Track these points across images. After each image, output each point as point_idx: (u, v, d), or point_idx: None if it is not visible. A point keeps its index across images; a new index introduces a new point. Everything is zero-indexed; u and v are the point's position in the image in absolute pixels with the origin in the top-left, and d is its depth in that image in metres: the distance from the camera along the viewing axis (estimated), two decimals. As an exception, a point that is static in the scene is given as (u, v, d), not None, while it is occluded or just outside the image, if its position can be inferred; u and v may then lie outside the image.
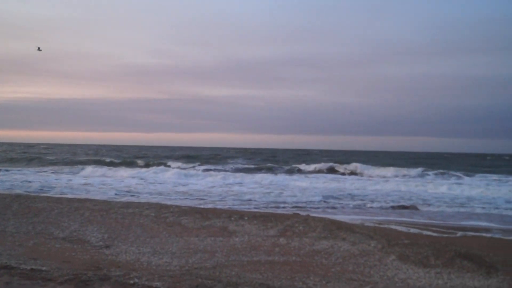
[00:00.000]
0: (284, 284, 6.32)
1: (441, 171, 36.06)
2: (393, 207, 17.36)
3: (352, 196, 21.09)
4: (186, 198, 19.26)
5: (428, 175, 34.37)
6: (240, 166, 45.04)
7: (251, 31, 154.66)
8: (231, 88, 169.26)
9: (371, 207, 17.38)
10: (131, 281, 5.89)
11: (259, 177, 30.79)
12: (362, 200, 19.62)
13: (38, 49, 22.97)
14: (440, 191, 23.91)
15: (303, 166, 42.13)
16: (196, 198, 19.30)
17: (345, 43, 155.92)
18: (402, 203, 18.42)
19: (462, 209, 17.32)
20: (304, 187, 25.27)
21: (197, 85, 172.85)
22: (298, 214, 12.38)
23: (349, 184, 27.32)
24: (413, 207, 17.33)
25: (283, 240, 9.16)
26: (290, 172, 38.84)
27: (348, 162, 43.38)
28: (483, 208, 17.76)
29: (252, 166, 44.17)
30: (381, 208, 17.31)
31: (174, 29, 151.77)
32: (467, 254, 8.16)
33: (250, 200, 18.84)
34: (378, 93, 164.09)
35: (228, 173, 34.55)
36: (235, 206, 16.49)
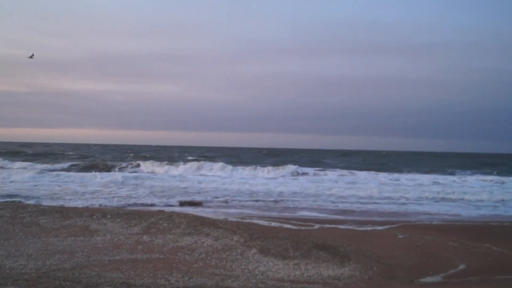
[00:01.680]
0: (146, 282, 6.26)
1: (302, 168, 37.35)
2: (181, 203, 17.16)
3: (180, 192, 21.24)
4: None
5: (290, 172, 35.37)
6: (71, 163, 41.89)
7: (115, 24, 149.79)
8: (94, 82, 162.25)
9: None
10: (-20, 287, 5.51)
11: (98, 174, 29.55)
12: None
13: (31, 56, 20.26)
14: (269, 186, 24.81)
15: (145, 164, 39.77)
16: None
17: (211, 39, 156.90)
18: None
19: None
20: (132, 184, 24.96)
21: (58, 78, 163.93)
22: (163, 211, 12.31)
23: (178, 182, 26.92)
24: (198, 203, 17.18)
25: (146, 238, 9.06)
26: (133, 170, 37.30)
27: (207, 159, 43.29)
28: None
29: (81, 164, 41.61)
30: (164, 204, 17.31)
31: (33, 19, 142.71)
32: (323, 245, 8.66)
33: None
34: (243, 90, 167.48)
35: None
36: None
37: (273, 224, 11.06)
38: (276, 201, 18.57)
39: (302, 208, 16.48)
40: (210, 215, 12.06)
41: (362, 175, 32.87)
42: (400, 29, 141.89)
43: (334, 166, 41.43)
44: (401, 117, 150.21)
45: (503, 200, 20.41)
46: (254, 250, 8.21)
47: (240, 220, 11.37)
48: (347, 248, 8.72)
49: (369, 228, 11.17)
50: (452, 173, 36.80)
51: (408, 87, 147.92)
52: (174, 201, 17.73)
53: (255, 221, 11.36)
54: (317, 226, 11.07)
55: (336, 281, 6.84)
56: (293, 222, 11.48)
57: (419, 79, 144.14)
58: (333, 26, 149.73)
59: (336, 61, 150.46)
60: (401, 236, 10.20)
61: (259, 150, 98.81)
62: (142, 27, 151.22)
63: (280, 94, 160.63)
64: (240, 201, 18.50)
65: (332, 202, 18.77)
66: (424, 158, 72.76)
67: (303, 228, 10.69)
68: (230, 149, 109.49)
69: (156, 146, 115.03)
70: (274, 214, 14.38)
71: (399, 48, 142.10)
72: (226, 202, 18.11)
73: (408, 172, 36.82)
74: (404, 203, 18.87)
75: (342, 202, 18.64)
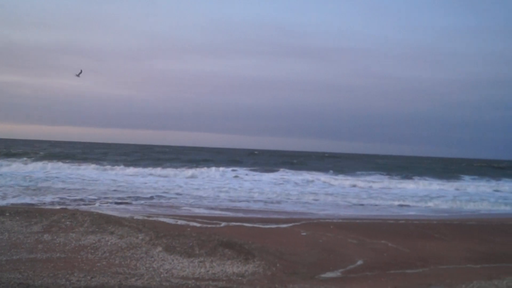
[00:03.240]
0: (45, 282, 6.07)
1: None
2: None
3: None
4: None
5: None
6: None
7: (21, 13, 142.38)
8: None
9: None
10: None
11: None
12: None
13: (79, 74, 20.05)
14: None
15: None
16: None
17: (119, 34, 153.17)
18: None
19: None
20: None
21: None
22: (66, 208, 11.95)
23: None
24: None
25: (47, 237, 8.77)
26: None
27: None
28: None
29: None
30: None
31: None
32: (228, 242, 8.78)
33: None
34: (153, 87, 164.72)
35: None
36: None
37: (180, 222, 11.05)
38: (151, 198, 18.92)
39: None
40: (115, 213, 11.85)
41: (252, 174, 33.71)
42: (310, 33, 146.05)
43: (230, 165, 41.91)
44: (309, 119, 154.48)
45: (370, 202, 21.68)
46: (160, 248, 8.19)
47: (146, 218, 11.25)
48: (252, 245, 8.90)
49: (273, 226, 11.44)
50: (338, 173, 38.32)
51: (314, 90, 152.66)
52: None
53: (162, 219, 11.29)
54: (223, 224, 11.19)
55: (240, 278, 6.98)
56: (200, 220, 11.53)
57: (324, 82, 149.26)
58: (245, 27, 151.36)
59: (247, 62, 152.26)
60: (304, 234, 10.55)
61: (162, 148, 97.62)
62: (48, 18, 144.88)
63: (191, 93, 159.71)
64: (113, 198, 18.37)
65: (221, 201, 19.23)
66: (330, 159, 75.13)
67: (209, 226, 10.77)
68: (135, 146, 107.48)
69: (57, 142, 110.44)
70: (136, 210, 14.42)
71: (307, 52, 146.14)
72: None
73: (309, 171, 37.94)
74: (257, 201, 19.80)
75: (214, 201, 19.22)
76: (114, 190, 21.28)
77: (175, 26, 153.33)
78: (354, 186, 28.48)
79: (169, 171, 33.10)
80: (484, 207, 21.17)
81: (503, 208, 20.88)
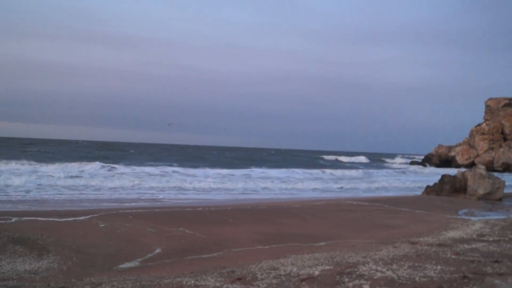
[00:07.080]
0: None
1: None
2: None
3: None
4: None
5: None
6: None
7: None
8: None
9: None
10: None
11: None
12: None
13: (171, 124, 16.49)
14: None
15: None
16: None
17: None
18: None
19: None
20: None
21: None
22: None
23: None
24: None
25: None
26: None
27: None
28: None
29: None
30: None
31: None
32: (20, 239, 8.40)
33: None
34: None
35: None
36: None
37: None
38: None
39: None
40: None
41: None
42: (113, 20, 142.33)
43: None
44: (110, 107, 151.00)
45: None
46: None
47: None
48: (47, 240, 8.62)
49: (70, 219, 11.08)
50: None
51: (115, 78, 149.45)
52: None
53: None
54: (14, 219, 10.52)
55: (33, 275, 6.74)
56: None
57: (126, 70, 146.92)
58: (44, 8, 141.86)
59: (40, 46, 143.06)
60: (102, 225, 10.42)
61: None
62: None
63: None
64: None
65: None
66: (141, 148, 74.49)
67: (-2, 222, 10.07)
68: None
69: None
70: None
71: (110, 39, 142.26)
72: None
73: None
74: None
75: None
76: None
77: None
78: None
79: None
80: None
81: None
